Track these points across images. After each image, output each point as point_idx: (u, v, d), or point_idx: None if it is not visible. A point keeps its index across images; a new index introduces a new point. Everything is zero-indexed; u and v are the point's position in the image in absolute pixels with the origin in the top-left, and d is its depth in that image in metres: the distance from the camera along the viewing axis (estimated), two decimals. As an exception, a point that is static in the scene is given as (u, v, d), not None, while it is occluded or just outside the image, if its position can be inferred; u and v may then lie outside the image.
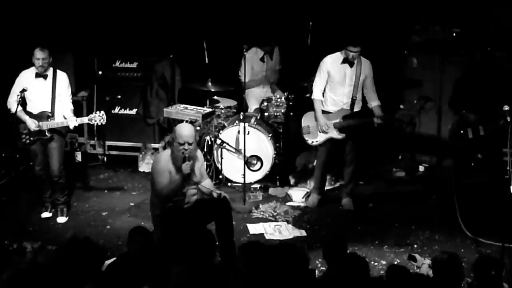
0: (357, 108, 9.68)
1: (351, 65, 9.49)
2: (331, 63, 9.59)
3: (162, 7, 11.90)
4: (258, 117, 10.92)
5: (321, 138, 9.80)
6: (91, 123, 9.26)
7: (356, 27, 11.43)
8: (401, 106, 9.67)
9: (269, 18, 11.70)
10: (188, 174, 7.90)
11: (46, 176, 9.44)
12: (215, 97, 11.15)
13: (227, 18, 12.00)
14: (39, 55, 9.12)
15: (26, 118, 9.13)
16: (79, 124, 9.30)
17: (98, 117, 9.18)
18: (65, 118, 9.19)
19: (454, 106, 9.50)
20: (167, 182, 7.89)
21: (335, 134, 9.71)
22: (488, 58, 9.68)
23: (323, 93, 9.69)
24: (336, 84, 9.59)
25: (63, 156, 9.45)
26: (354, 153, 9.78)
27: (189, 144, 7.87)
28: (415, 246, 8.81)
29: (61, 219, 9.50)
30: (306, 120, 9.93)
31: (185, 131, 7.93)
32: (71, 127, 9.27)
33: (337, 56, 9.59)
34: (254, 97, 11.33)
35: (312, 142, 9.91)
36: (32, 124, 9.09)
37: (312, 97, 9.76)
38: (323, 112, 9.71)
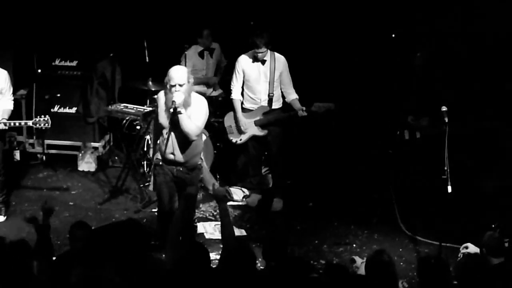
0: (277, 105, 9.82)
1: (263, 62, 9.63)
2: (245, 62, 9.76)
3: (102, 6, 11.80)
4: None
5: (244, 136, 9.95)
6: (35, 126, 9.16)
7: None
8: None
9: (210, 17, 11.72)
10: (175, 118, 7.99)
11: (-16, 175, 9.33)
12: (156, 96, 11.10)
13: (168, 16, 11.98)
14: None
15: (-38, 118, 8.99)
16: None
17: (43, 121, 9.04)
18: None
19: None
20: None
21: (257, 131, 9.85)
22: (427, 60, 9.85)
23: (242, 92, 9.82)
24: (252, 82, 9.74)
25: (1, 155, 9.35)
26: (277, 148, 9.89)
27: (180, 85, 7.87)
28: (354, 245, 8.92)
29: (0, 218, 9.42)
30: (228, 120, 10.07)
31: (175, 72, 7.95)
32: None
33: (250, 55, 9.74)
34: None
35: (236, 141, 10.04)
36: (-35, 126, 8.95)
37: (231, 97, 9.90)
38: (244, 110, 9.85)
